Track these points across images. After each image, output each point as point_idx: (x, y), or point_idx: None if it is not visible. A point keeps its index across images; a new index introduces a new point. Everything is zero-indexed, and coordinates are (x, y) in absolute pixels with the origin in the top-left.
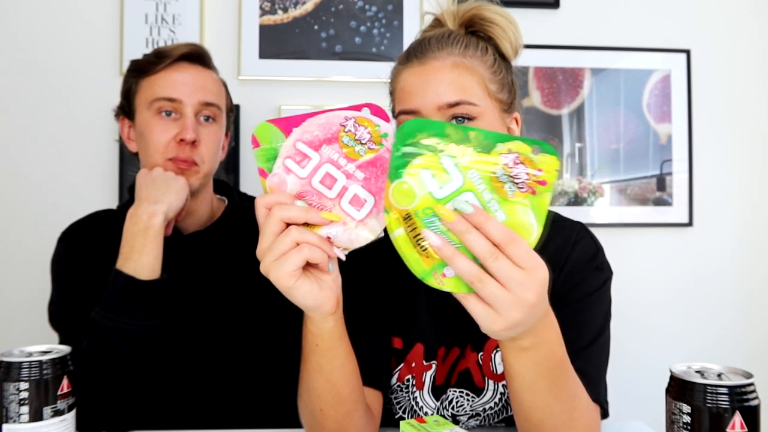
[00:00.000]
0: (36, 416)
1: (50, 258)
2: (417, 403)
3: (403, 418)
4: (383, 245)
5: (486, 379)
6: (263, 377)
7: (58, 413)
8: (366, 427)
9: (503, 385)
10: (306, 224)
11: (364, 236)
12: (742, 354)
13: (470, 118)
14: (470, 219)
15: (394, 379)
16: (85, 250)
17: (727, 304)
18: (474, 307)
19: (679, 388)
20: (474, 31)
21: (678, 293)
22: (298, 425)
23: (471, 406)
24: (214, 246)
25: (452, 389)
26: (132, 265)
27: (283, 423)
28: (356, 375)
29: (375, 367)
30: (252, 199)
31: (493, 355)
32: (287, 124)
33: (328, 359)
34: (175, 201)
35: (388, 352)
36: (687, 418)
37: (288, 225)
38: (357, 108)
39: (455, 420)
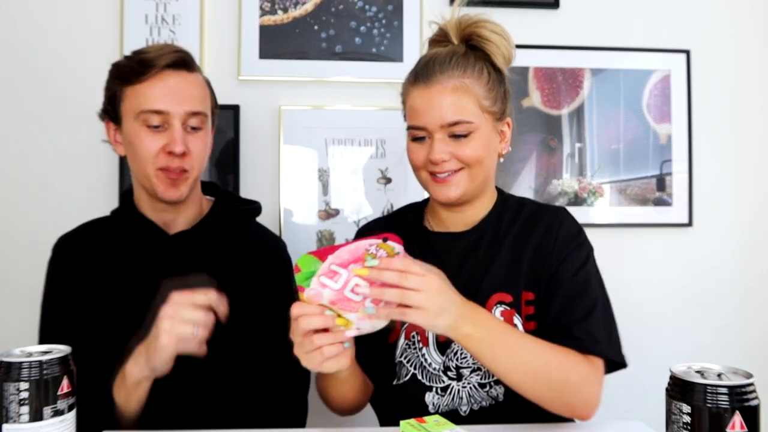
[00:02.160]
0: (36, 416)
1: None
2: (426, 359)
3: (415, 375)
4: (383, 222)
5: None
6: (250, 377)
7: (58, 413)
8: (365, 397)
9: None
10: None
11: (381, 324)
12: (742, 354)
13: (467, 134)
14: (379, 267)
15: (402, 339)
16: (75, 262)
17: (726, 304)
18: (412, 317)
19: (679, 388)
20: (472, 45)
21: (678, 293)
22: (287, 425)
23: (473, 360)
24: (200, 245)
25: (456, 343)
26: (121, 403)
27: (270, 423)
28: (362, 386)
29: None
30: (241, 199)
31: (493, 311)
32: (324, 253)
33: (342, 388)
34: (163, 369)
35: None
36: (687, 418)
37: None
38: (379, 237)
39: (459, 373)
